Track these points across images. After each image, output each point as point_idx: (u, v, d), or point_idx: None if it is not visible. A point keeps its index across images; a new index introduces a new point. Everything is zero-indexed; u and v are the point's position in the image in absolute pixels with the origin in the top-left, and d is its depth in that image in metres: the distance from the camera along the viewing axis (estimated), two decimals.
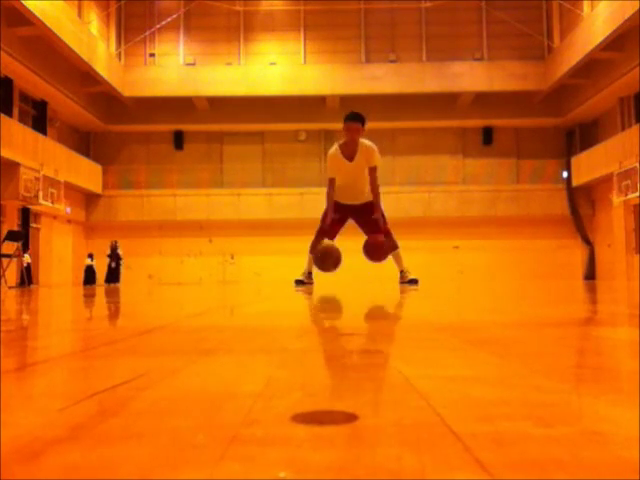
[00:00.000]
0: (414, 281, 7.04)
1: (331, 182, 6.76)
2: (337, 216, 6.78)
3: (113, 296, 6.14)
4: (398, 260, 6.98)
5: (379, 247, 6.59)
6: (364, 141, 6.56)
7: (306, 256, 6.97)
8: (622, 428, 0.61)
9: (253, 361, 1.15)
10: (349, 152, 6.54)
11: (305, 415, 0.67)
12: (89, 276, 22.10)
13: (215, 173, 25.36)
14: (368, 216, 6.77)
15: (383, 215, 6.84)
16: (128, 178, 24.92)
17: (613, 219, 22.45)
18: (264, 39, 25.18)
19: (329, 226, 6.76)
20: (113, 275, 21.73)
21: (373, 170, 6.67)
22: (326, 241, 6.53)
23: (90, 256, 22.50)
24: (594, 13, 20.29)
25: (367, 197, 6.79)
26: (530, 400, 0.75)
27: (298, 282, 7.03)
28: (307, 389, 0.86)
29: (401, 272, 7.07)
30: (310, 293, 5.30)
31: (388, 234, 6.81)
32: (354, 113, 6.50)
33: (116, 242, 22.12)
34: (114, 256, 21.86)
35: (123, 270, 22.13)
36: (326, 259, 6.42)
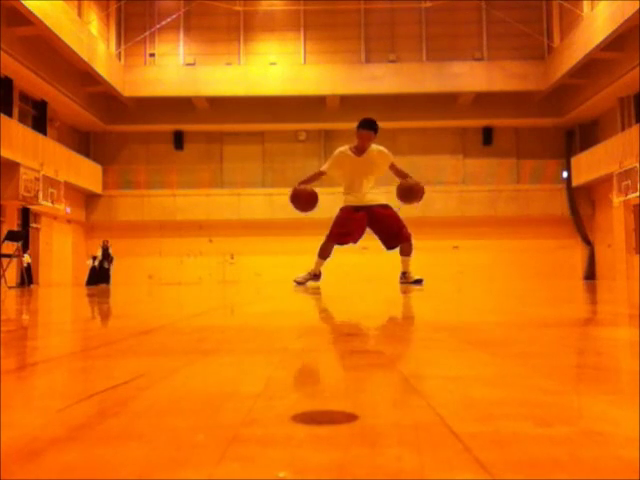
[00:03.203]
0: (419, 281, 7.04)
1: (319, 173, 6.87)
2: (353, 223, 6.77)
3: (113, 297, 6.15)
4: (406, 264, 7.00)
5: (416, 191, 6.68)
6: (374, 146, 6.74)
7: (314, 258, 6.98)
8: (622, 428, 0.61)
9: (253, 361, 1.15)
10: (359, 152, 6.67)
11: (305, 415, 0.67)
12: (92, 277, 22.04)
13: (215, 173, 25.35)
14: (385, 218, 6.77)
15: (400, 219, 6.85)
16: (128, 178, 24.91)
17: (613, 219, 22.44)
18: (264, 39, 25.17)
19: (347, 235, 6.78)
20: (104, 276, 21.55)
21: (394, 167, 6.84)
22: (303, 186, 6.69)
23: (94, 258, 22.45)
24: (594, 13, 20.28)
25: (378, 199, 6.80)
26: (530, 400, 0.75)
27: (298, 283, 7.03)
28: (307, 389, 0.86)
29: (404, 273, 7.07)
30: (311, 293, 5.30)
31: (408, 239, 6.82)
32: (367, 121, 6.66)
33: (107, 242, 21.98)
34: (106, 256, 21.76)
35: (112, 270, 22.02)
36: (298, 200, 6.63)
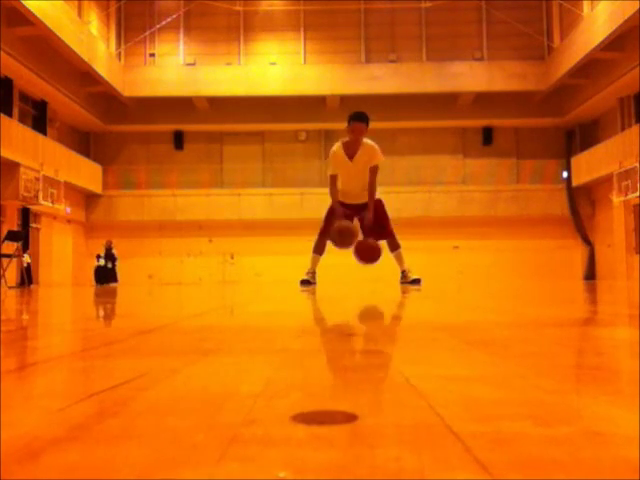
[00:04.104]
0: (417, 281, 7.03)
1: (332, 179, 6.75)
2: (344, 215, 6.80)
3: (113, 296, 6.15)
4: (400, 260, 6.98)
5: (370, 250, 6.50)
6: (367, 141, 6.59)
7: (310, 256, 6.99)
8: (622, 428, 0.61)
9: (253, 361, 1.15)
10: (351, 151, 6.57)
11: (305, 415, 0.67)
12: (99, 276, 22.11)
13: (215, 173, 25.35)
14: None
15: (386, 215, 6.84)
16: (128, 178, 24.91)
17: (613, 219, 22.44)
18: (264, 39, 25.17)
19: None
20: (109, 275, 21.65)
21: (373, 169, 6.66)
22: (342, 222, 6.50)
23: (99, 257, 22.49)
24: (594, 13, 20.28)
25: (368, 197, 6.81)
26: (530, 400, 0.75)
27: (303, 282, 7.03)
28: (307, 389, 0.86)
29: (403, 272, 7.07)
30: (312, 293, 5.31)
31: (392, 235, 6.83)
32: (358, 113, 6.53)
33: (111, 242, 22.06)
34: (109, 256, 21.82)
35: (117, 269, 22.10)
36: (342, 237, 6.39)
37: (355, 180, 6.69)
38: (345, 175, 6.73)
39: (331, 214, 6.82)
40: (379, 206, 6.82)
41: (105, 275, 21.70)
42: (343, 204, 6.81)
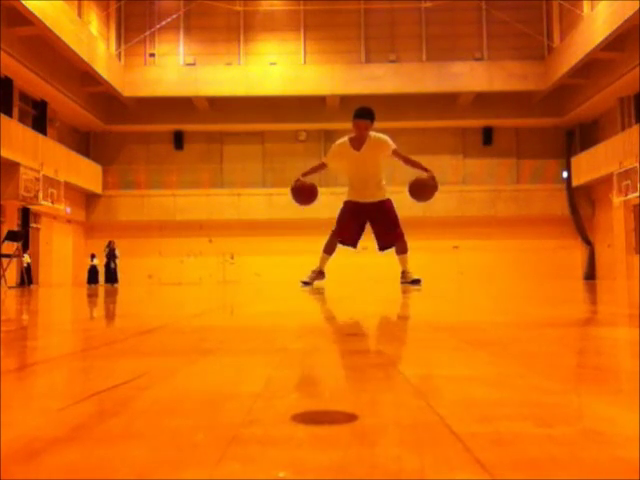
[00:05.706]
0: (417, 281, 7.03)
1: (321, 165, 6.88)
2: (354, 221, 6.79)
3: (113, 296, 6.15)
4: (403, 261, 6.99)
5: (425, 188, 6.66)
6: (373, 134, 6.62)
7: (320, 255, 6.99)
8: (622, 428, 0.61)
9: (253, 361, 1.15)
10: (357, 145, 6.60)
11: (305, 415, 0.67)
12: (92, 276, 22.15)
13: (215, 173, 25.35)
14: (382, 216, 6.78)
15: (397, 216, 6.84)
16: (128, 178, 24.91)
17: (613, 219, 22.44)
18: (264, 39, 25.17)
19: (349, 233, 6.79)
20: (112, 275, 21.79)
21: (396, 153, 6.69)
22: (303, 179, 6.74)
23: (93, 256, 22.55)
24: (594, 13, 20.28)
25: (381, 195, 6.80)
26: (530, 400, 0.75)
27: (305, 283, 7.04)
28: (307, 389, 0.87)
29: (403, 272, 7.07)
30: (313, 293, 5.30)
31: (402, 237, 6.81)
32: (361, 109, 6.57)
33: (113, 242, 22.19)
34: (112, 256, 21.92)
35: (119, 270, 22.19)
36: (299, 194, 6.66)
37: (363, 174, 6.68)
38: (353, 168, 6.73)
39: (343, 215, 6.82)
40: (390, 206, 6.83)
41: (109, 275, 21.74)
42: (355, 203, 6.80)
